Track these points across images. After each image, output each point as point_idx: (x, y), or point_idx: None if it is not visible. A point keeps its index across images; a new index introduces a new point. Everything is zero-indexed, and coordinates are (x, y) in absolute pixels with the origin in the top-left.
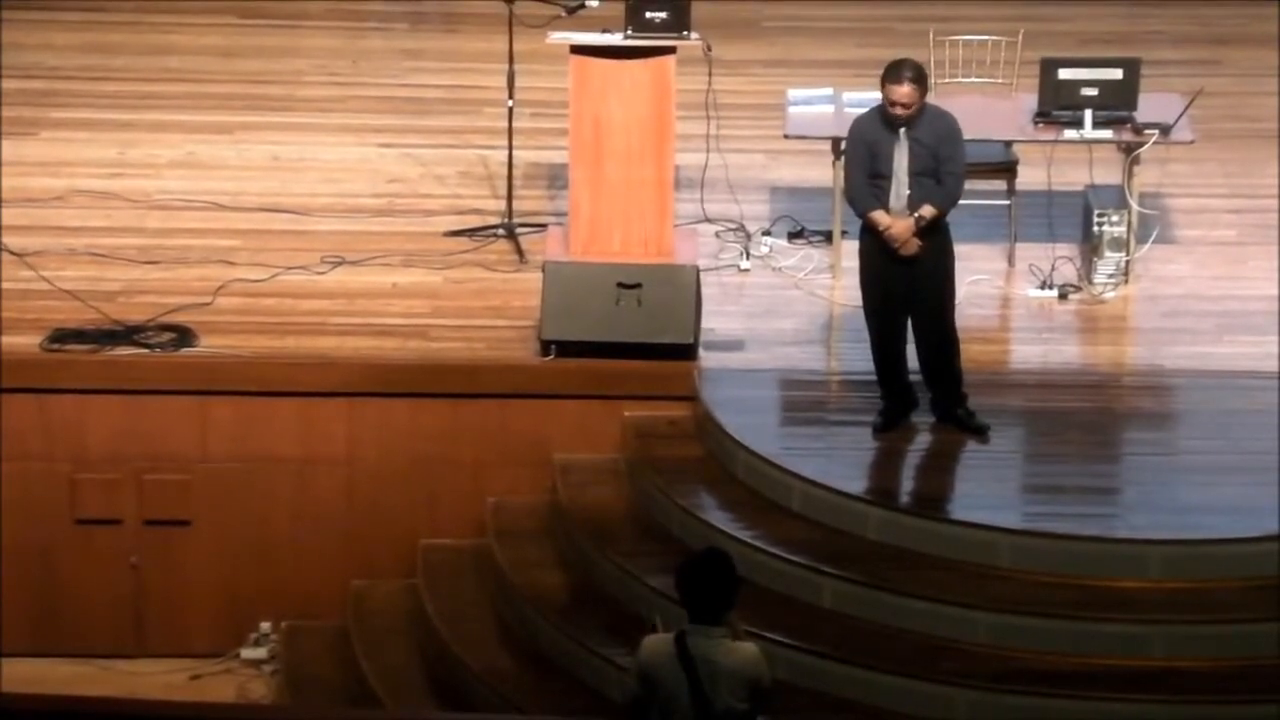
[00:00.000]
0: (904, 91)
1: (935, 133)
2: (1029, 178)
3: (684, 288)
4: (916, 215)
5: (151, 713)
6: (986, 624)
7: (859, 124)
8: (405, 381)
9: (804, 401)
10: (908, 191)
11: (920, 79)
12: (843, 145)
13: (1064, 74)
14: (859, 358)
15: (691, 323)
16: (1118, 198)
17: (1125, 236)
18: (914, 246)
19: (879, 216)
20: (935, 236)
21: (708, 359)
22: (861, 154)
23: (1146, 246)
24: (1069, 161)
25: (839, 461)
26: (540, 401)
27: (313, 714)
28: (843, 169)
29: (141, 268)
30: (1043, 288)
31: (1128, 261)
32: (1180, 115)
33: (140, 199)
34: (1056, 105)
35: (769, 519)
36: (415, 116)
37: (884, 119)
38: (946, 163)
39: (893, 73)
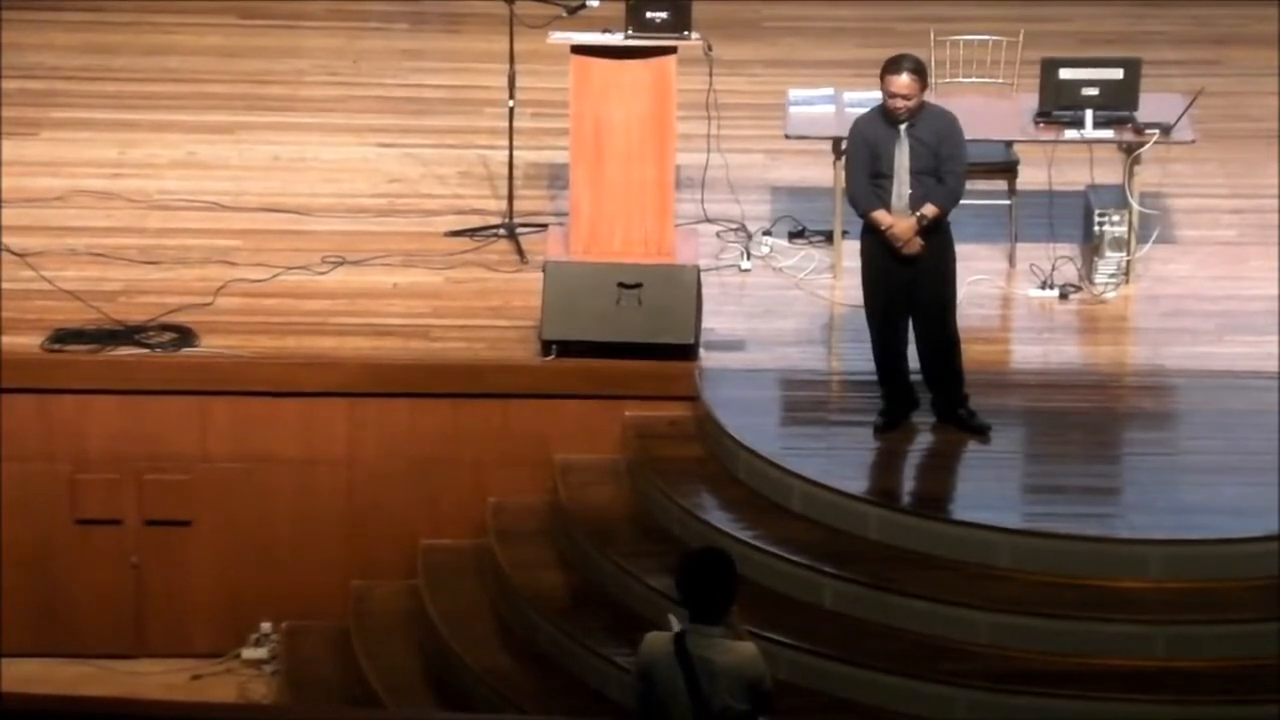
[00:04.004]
0: (903, 83)
1: (936, 131)
2: (1030, 178)
3: (684, 288)
4: (919, 214)
5: (151, 713)
6: (986, 624)
7: (860, 123)
8: (406, 381)
9: (805, 401)
10: (909, 190)
11: (919, 71)
12: (843, 145)
13: (1064, 74)
14: (859, 358)
15: (692, 323)
16: (1118, 198)
17: (1126, 236)
18: (916, 246)
19: (880, 216)
20: (937, 236)
21: (708, 359)
22: (862, 153)
23: (1147, 246)
24: (1070, 161)
25: (840, 462)
26: (541, 401)
27: (313, 714)
28: (844, 169)
29: (142, 268)
30: (1043, 288)
31: (1128, 261)
32: (1181, 115)
33: (141, 199)
34: (1057, 105)
35: (769, 519)
36: (416, 116)
37: (885, 118)
38: (948, 161)
39: (892, 65)
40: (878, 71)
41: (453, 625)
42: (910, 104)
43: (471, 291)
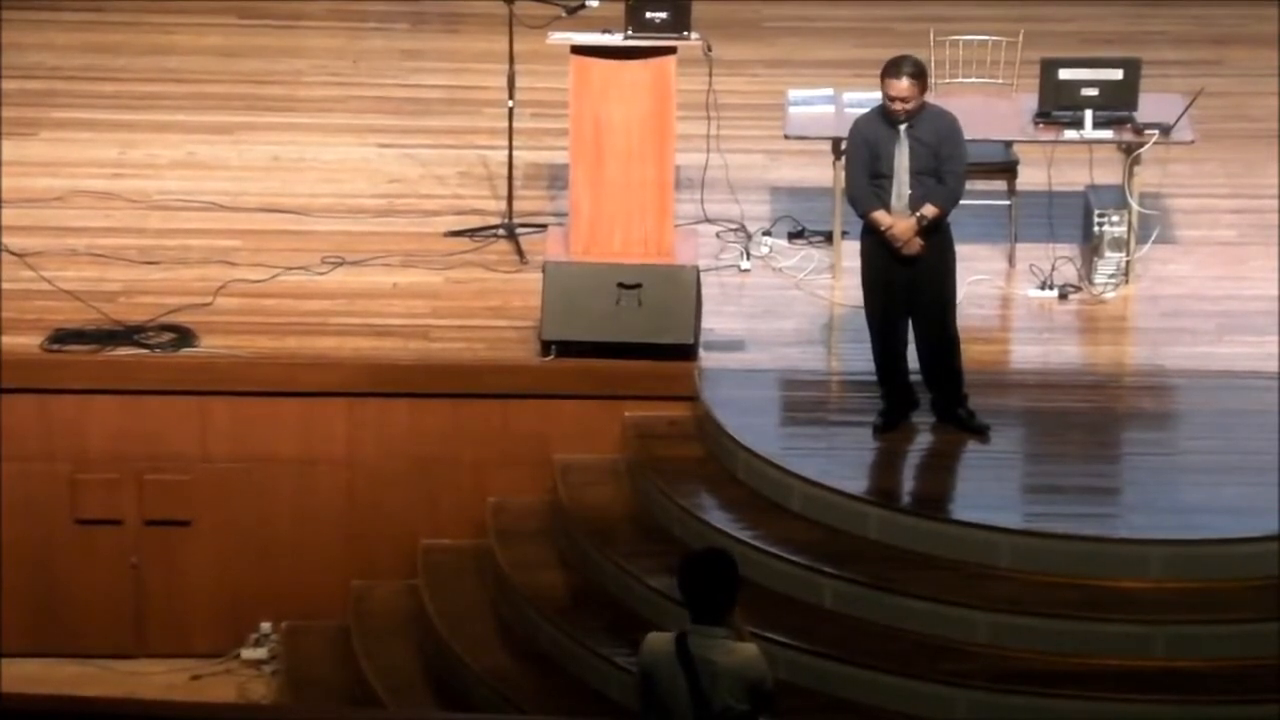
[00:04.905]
0: (902, 86)
1: (936, 132)
2: (1029, 178)
3: (684, 288)
4: (918, 215)
5: (151, 713)
6: (986, 624)
7: (860, 124)
8: (405, 381)
9: (804, 401)
10: (909, 191)
11: (919, 74)
12: (843, 145)
13: (1064, 74)
14: (859, 358)
15: (691, 323)
16: (1118, 198)
17: (1125, 236)
18: (916, 246)
19: (880, 216)
20: (937, 236)
21: (708, 359)
22: (862, 154)
23: (1147, 247)
24: (1069, 161)
25: (839, 462)
26: (540, 401)
27: (313, 714)
28: (843, 169)
29: (142, 268)
30: (1043, 288)
31: (1128, 261)
32: (1181, 115)
33: (140, 199)
34: (1057, 105)
35: (769, 519)
36: (415, 116)
37: (885, 118)
38: (948, 162)
39: (892, 68)
40: (878, 72)
41: (453, 625)
42: (910, 106)
43: (471, 292)
